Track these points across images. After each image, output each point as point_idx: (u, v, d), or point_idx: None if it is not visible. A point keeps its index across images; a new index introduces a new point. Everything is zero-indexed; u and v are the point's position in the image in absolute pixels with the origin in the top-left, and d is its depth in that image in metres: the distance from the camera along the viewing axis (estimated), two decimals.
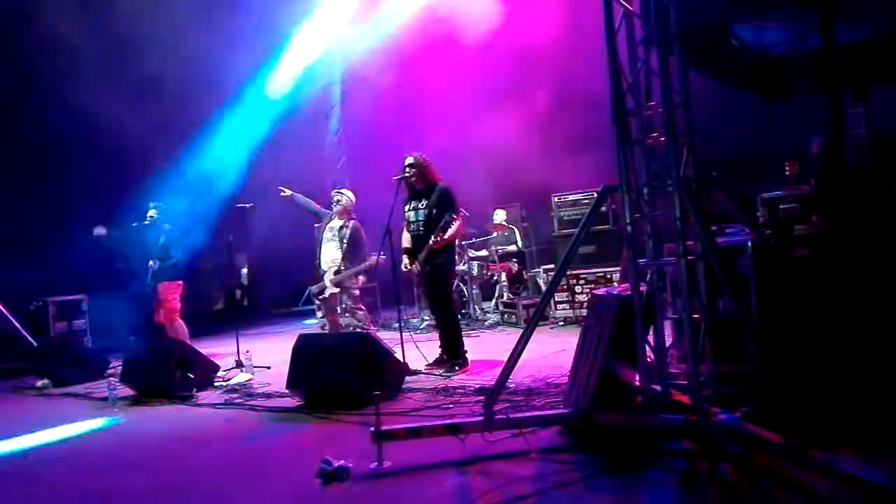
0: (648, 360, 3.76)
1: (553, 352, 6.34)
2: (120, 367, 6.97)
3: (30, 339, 8.90)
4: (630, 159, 3.92)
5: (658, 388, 3.72)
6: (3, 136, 9.88)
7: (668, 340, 3.82)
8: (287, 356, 5.43)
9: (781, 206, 5.36)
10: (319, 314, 9.79)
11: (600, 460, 3.40)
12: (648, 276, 3.79)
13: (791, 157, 8.69)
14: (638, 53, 3.98)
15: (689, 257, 3.62)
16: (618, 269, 8.10)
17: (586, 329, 3.95)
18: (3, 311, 8.97)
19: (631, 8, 3.96)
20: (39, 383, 7.35)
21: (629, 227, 3.82)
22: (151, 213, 8.14)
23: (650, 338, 3.75)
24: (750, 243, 4.12)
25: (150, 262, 8.03)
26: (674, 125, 3.74)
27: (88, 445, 4.89)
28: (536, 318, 3.89)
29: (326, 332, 8.09)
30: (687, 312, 3.58)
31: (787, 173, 8.64)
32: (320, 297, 7.80)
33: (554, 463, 3.43)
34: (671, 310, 3.90)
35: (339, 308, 7.90)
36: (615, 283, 7.98)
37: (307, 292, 11.43)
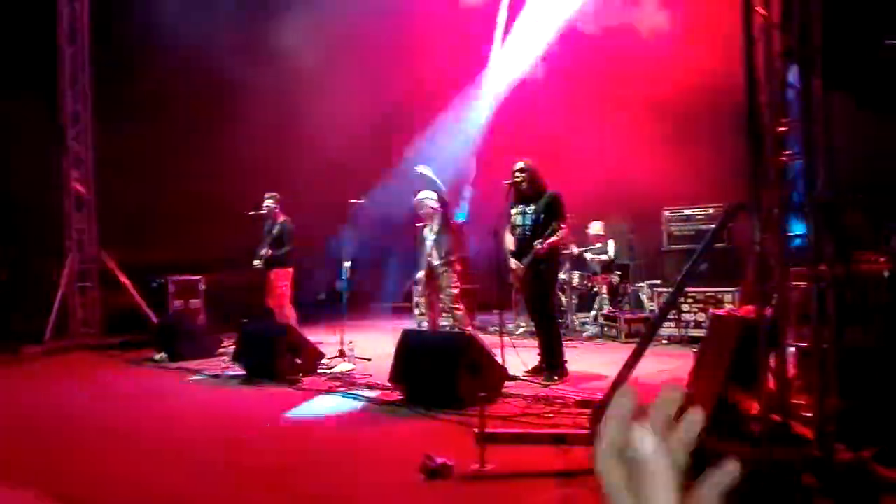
0: (769, 388, 3.59)
1: (657, 370, 6.15)
2: (231, 347, 7.37)
3: (150, 314, 9.56)
4: (762, 177, 3.76)
5: (778, 418, 3.54)
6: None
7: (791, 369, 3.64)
8: (386, 350, 5.56)
9: None
10: (417, 311, 9.95)
11: None
12: (774, 300, 3.62)
13: None
14: (775, 66, 3.83)
15: (821, 283, 3.43)
16: (729, 289, 7.78)
17: (704, 350, 3.81)
18: (130, 287, 9.67)
19: (771, 18, 3.80)
20: (157, 356, 7.84)
21: (757, 248, 3.66)
22: (267, 202, 8.53)
23: (772, 365, 3.58)
24: (887, 273, 3.87)
25: (263, 250, 8.43)
26: (812, 143, 3.56)
27: (205, 420, 5.17)
28: (652, 334, 3.79)
29: (425, 329, 8.21)
30: (816, 341, 3.39)
31: None
32: (420, 290, 7.94)
33: None
34: (795, 337, 3.71)
35: (437, 307, 8.00)
36: (726, 305, 7.67)
37: (408, 288, 11.63)
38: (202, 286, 10.08)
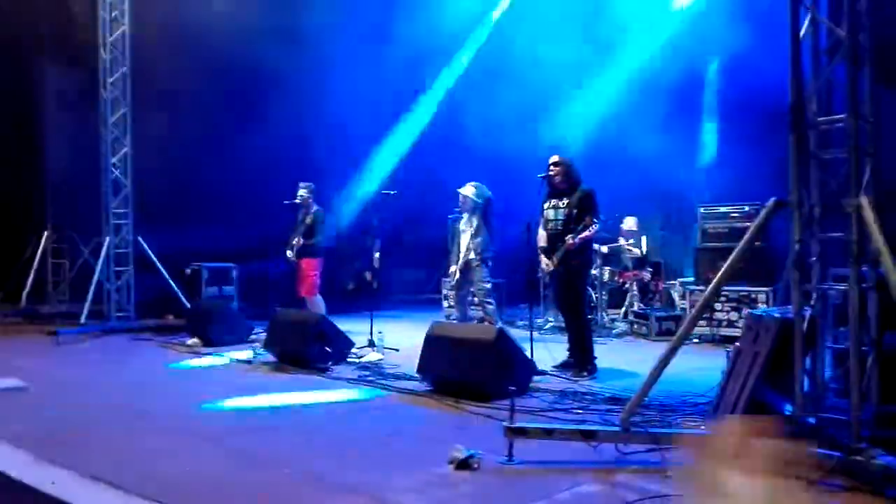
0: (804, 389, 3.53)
1: (686, 369, 6.07)
2: (263, 334, 7.46)
3: (184, 300, 9.73)
4: (804, 174, 3.68)
5: (812, 420, 3.48)
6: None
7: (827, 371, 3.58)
8: (414, 341, 5.58)
9: None
10: (446, 304, 9.97)
11: None
12: (812, 300, 3.56)
13: None
14: (821, 61, 3.74)
15: (863, 285, 3.36)
16: (763, 289, 7.65)
17: (739, 350, 3.75)
18: (164, 273, 9.86)
19: (817, 12, 3.72)
20: (190, 341, 7.97)
21: (797, 247, 3.59)
22: (301, 191, 8.60)
23: (808, 366, 3.52)
24: None
25: (295, 240, 8.51)
26: (857, 140, 3.48)
27: (237, 404, 5.24)
28: (686, 333, 3.75)
29: (454, 321, 8.23)
30: (854, 344, 3.32)
31: None
32: (451, 283, 7.98)
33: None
34: (832, 339, 3.65)
35: (468, 300, 8.02)
36: (760, 304, 7.55)
37: (436, 281, 11.67)
38: (235, 273, 10.23)
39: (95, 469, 3.52)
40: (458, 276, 7.78)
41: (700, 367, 5.62)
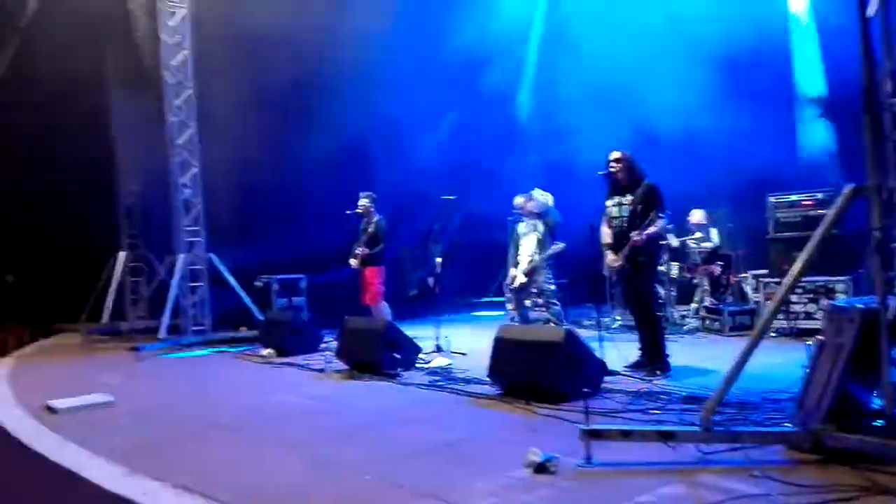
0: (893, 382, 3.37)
1: (764, 364, 5.88)
2: (333, 342, 7.61)
3: (256, 312, 10.03)
4: (881, 158, 3.53)
5: None
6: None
7: None
8: (479, 344, 5.58)
9: None
10: (509, 307, 9.96)
11: (833, 487, 3.10)
12: None
13: None
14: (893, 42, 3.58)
15: None
16: (841, 278, 7.36)
17: (822, 343, 3.62)
18: (236, 286, 10.18)
19: None
20: (265, 352, 8.20)
21: (877, 234, 3.45)
22: (363, 201, 8.74)
23: None
24: None
25: (358, 249, 8.65)
26: None
27: (315, 414, 5.37)
28: (765, 327, 3.65)
29: (519, 323, 8.22)
30: None
31: None
32: (512, 287, 8.00)
33: (780, 483, 3.20)
34: None
35: (529, 301, 8.02)
36: (839, 294, 7.26)
37: (497, 284, 11.66)
38: (303, 284, 10.50)
39: (185, 480, 3.67)
40: (521, 279, 7.78)
41: (779, 361, 5.44)
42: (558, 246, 7.91)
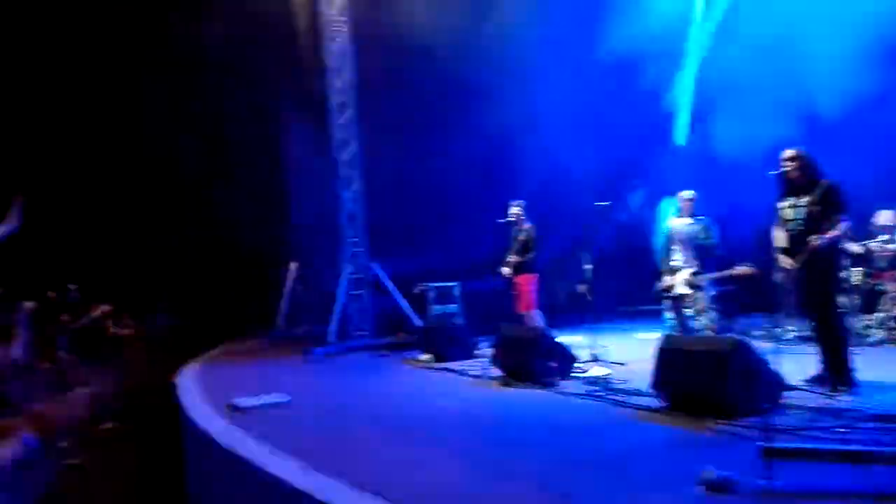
0: None
1: None
2: (486, 348, 7.72)
3: (414, 318, 10.42)
4: None
5: None
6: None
7: None
8: (637, 354, 5.41)
9: None
10: (669, 314, 9.53)
11: None
12: None
13: None
14: None
15: None
16: None
17: None
18: (396, 294, 10.66)
19: None
20: (424, 357, 8.49)
21: None
22: (514, 210, 8.78)
23: None
24: None
25: (511, 257, 8.68)
26: None
27: (478, 419, 5.47)
28: None
29: (677, 333, 7.88)
30: None
31: None
32: (667, 294, 7.69)
33: None
34: None
35: (689, 309, 7.66)
36: None
37: (655, 291, 11.24)
38: (458, 291, 10.77)
39: (359, 478, 3.86)
40: (681, 289, 7.47)
41: None
42: (746, 269, 7.43)
